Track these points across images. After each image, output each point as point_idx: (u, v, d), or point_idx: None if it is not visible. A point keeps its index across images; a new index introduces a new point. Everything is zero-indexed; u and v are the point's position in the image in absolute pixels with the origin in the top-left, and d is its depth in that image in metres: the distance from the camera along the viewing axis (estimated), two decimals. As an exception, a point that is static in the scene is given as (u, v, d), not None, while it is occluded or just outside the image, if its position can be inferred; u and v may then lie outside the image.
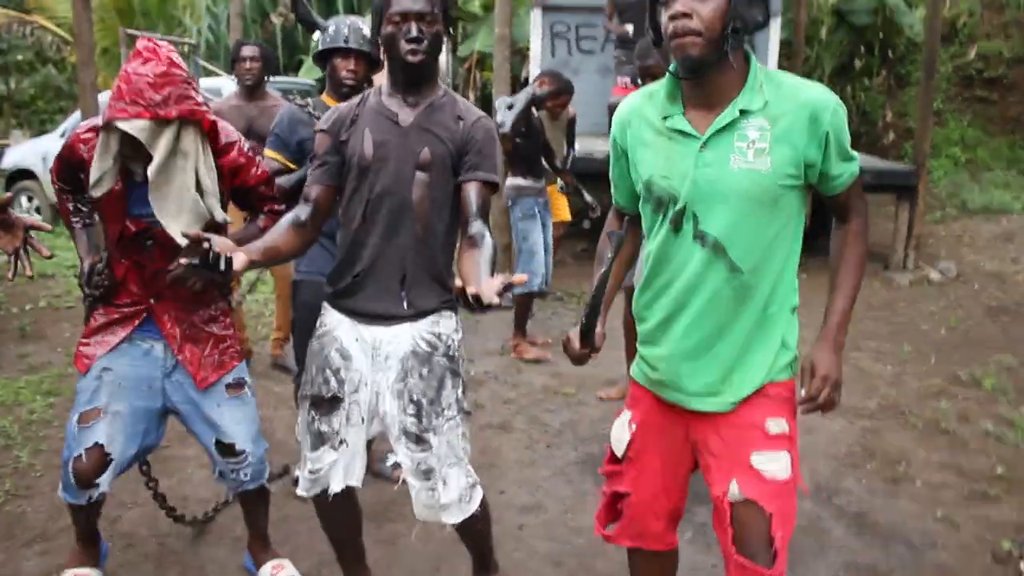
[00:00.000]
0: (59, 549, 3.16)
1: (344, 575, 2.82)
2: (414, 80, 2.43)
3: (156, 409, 2.72)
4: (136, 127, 2.39)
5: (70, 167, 2.66)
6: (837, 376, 1.96)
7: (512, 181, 5.54)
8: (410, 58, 2.36)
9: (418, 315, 2.44)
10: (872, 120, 12.74)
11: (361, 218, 2.42)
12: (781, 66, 10.67)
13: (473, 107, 2.54)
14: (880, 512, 3.58)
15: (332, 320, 2.51)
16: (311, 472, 2.52)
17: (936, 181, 10.98)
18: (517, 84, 9.30)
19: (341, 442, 2.48)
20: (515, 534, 3.36)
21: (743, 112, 1.89)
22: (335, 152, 2.46)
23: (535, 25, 9.18)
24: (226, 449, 2.73)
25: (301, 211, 2.44)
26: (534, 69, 8.98)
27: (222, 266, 2.01)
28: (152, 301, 2.69)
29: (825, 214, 9.19)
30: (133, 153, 2.48)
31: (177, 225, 2.45)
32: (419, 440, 2.42)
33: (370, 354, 2.45)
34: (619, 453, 2.20)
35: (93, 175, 2.50)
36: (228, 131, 2.67)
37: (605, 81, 8.75)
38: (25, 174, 10.18)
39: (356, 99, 2.53)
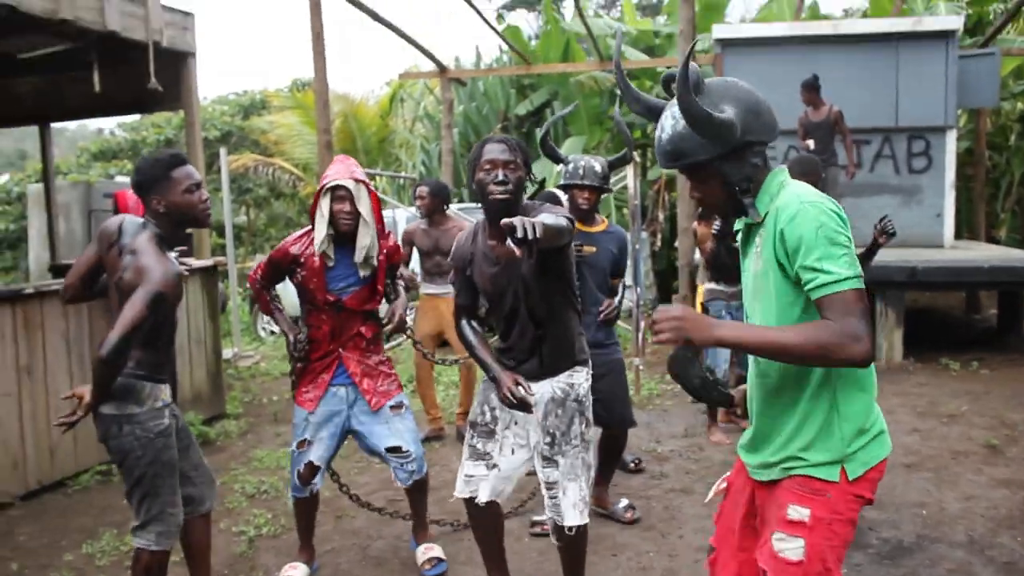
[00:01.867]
0: (324, 565, 4.09)
1: (487, 572, 3.61)
2: (503, 213, 2.96)
3: (342, 431, 3.93)
4: (344, 183, 3.72)
5: (279, 267, 3.88)
6: (680, 318, 2.04)
7: (708, 285, 6.09)
8: (496, 196, 3.01)
9: (555, 372, 3.25)
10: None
11: (504, 326, 3.27)
12: (963, 175, 10.86)
13: (540, 204, 3.16)
14: (1030, 561, 3.93)
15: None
16: (466, 476, 3.40)
17: None
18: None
19: (494, 465, 3.35)
20: (691, 567, 3.97)
21: (748, 225, 2.27)
22: (465, 280, 3.32)
23: (718, 149, 9.94)
24: (395, 450, 3.89)
25: (477, 323, 3.40)
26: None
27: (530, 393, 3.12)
28: (341, 351, 3.87)
29: (1014, 311, 9.28)
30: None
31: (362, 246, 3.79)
32: (550, 461, 3.25)
33: None
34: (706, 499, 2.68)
35: (318, 237, 3.73)
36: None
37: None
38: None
39: (470, 234, 3.32)
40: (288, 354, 3.93)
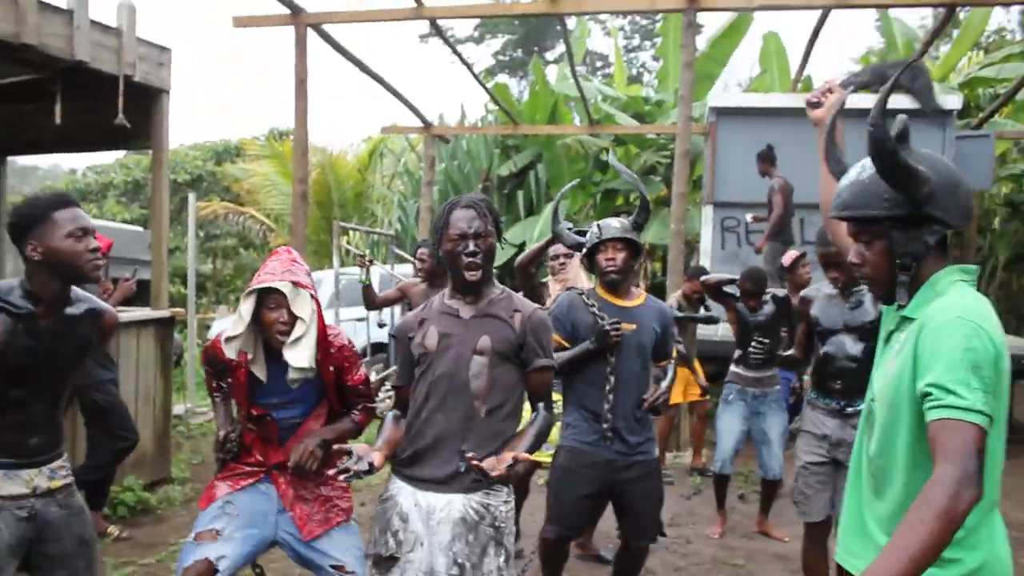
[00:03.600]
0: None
1: None
2: (474, 287, 2.75)
3: (266, 538, 3.10)
4: (278, 284, 2.92)
5: (213, 360, 3.21)
6: None
7: (732, 367, 5.72)
8: (468, 274, 2.69)
9: (472, 486, 2.64)
10: (1055, 311, 12.38)
11: (424, 397, 2.72)
12: (951, 256, 10.61)
13: (528, 301, 2.86)
14: None
15: (395, 487, 2.78)
16: None
17: None
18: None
19: None
20: None
21: (904, 319, 1.97)
22: (406, 353, 2.83)
23: (707, 220, 9.60)
24: (338, 569, 3.07)
25: (400, 409, 2.88)
26: (704, 260, 9.31)
27: (367, 468, 2.58)
28: (272, 469, 3.13)
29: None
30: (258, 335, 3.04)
31: (298, 362, 2.96)
32: None
33: (425, 519, 2.68)
34: None
35: (230, 348, 2.98)
36: (341, 339, 3.18)
37: (774, 272, 9.09)
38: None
39: (421, 307, 2.91)
40: (214, 451, 3.24)
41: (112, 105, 5.82)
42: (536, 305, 2.87)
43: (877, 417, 1.98)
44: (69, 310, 2.72)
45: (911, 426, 1.86)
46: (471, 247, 2.67)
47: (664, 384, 3.78)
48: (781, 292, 5.54)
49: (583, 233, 3.95)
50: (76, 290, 2.79)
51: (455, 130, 14.04)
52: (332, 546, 3.10)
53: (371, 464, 2.60)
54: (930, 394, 1.74)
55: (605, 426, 3.61)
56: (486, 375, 2.70)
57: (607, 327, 3.57)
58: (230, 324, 3.03)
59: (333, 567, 3.08)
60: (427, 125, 11.91)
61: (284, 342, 2.95)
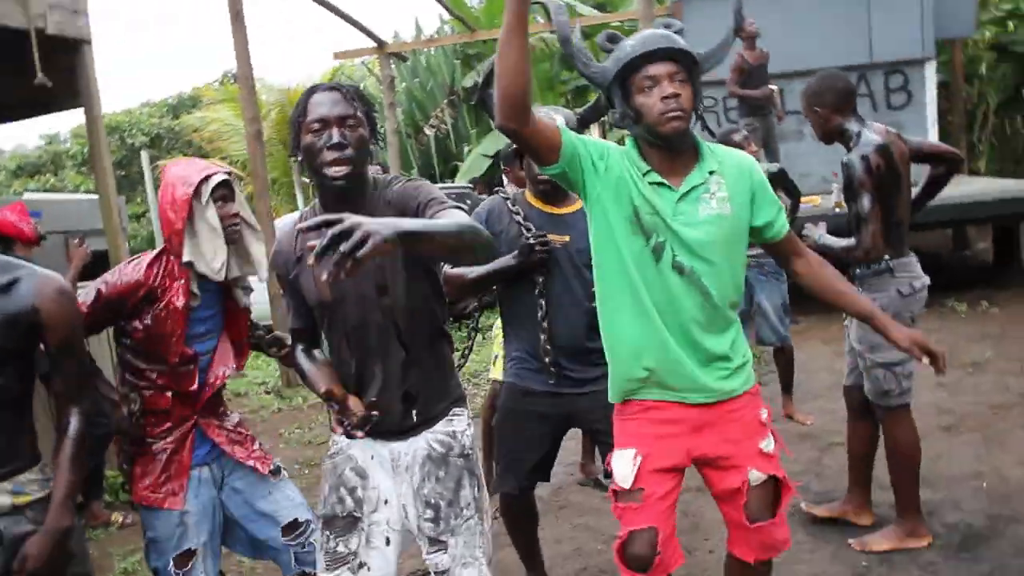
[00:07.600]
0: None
1: None
2: (343, 192, 2.22)
3: (220, 522, 2.83)
4: (225, 176, 2.66)
5: (120, 306, 2.63)
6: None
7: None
8: (332, 170, 2.17)
9: (429, 421, 2.37)
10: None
11: (347, 350, 2.34)
12: (940, 108, 10.27)
13: (394, 179, 2.36)
14: None
15: (344, 439, 2.41)
16: None
17: None
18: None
19: (361, 565, 2.38)
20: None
21: (711, 172, 2.31)
22: (294, 293, 2.41)
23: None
24: (290, 527, 2.82)
25: (302, 343, 2.49)
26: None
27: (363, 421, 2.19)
28: (198, 418, 2.77)
29: (1009, 245, 8.65)
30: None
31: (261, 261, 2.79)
32: (436, 542, 2.34)
33: (389, 468, 2.39)
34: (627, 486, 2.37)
35: (216, 262, 2.62)
36: None
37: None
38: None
39: (293, 231, 2.37)
40: (119, 441, 2.78)
41: (29, 65, 5.37)
42: (401, 178, 2.35)
43: (702, 267, 2.28)
44: None
45: (745, 245, 2.41)
46: (335, 137, 2.15)
47: None
48: (775, 167, 5.19)
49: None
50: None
51: (410, 45, 13.50)
52: (278, 502, 2.84)
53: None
54: (775, 219, 2.39)
55: (547, 360, 3.02)
56: (404, 307, 2.28)
57: (532, 240, 2.94)
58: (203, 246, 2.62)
59: (287, 527, 2.81)
60: (381, 45, 11.44)
61: (239, 236, 2.70)
